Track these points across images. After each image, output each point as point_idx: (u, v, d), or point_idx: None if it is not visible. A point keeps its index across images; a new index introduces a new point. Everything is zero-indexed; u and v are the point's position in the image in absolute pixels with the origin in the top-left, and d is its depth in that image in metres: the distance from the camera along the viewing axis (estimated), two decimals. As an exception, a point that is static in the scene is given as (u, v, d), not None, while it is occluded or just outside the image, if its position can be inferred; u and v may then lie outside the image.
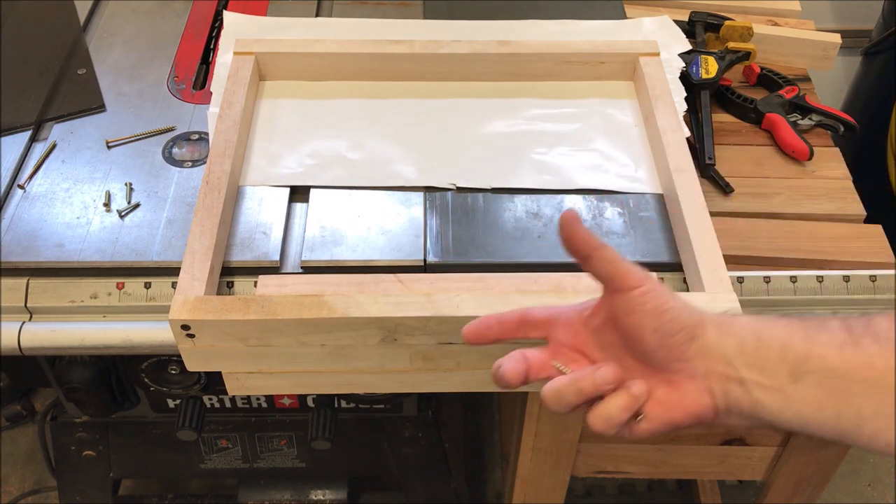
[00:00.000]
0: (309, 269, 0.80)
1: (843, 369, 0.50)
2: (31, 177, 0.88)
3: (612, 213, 0.85)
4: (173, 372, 0.92)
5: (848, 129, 0.98)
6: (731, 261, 0.82)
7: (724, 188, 0.91)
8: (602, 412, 0.55)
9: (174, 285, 0.78)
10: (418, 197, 0.87)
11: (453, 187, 0.87)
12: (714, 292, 0.73)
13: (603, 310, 0.57)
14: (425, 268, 0.81)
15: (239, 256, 0.80)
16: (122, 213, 0.85)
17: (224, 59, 0.98)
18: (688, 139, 0.89)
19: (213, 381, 0.95)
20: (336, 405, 1.06)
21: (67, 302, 0.79)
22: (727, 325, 0.54)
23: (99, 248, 0.81)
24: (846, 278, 0.82)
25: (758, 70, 1.06)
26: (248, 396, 1.05)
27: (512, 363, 0.57)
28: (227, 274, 0.79)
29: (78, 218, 0.84)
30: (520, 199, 0.87)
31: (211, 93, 0.95)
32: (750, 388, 0.52)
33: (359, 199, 0.86)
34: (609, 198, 0.87)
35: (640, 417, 0.55)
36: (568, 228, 0.56)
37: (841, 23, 1.82)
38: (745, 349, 0.53)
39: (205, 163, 0.87)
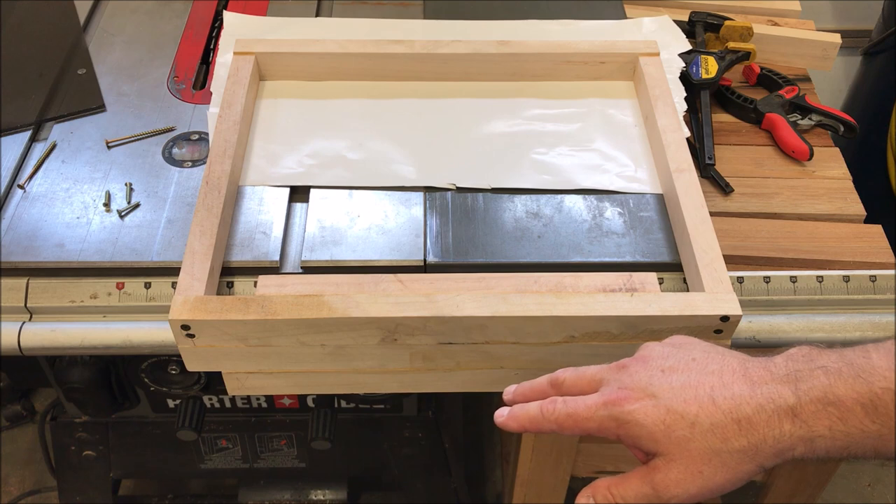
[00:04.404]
0: (309, 269, 0.80)
1: None
2: (31, 177, 0.88)
3: (612, 213, 0.85)
4: (173, 372, 0.92)
5: (848, 129, 0.98)
6: (731, 261, 0.82)
7: (724, 188, 0.91)
8: None
9: (174, 285, 0.78)
10: (418, 197, 0.87)
11: (453, 187, 0.87)
12: (714, 292, 0.73)
13: None
14: (425, 268, 0.81)
15: (239, 256, 0.80)
16: (122, 213, 0.85)
17: (224, 59, 0.98)
18: (688, 139, 0.89)
19: (213, 381, 0.95)
20: (336, 405, 1.06)
21: (67, 302, 0.79)
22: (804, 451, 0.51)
23: (99, 248, 0.81)
24: (846, 278, 0.82)
25: (758, 70, 1.06)
26: (248, 396, 1.05)
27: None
28: (227, 274, 0.79)
29: (78, 218, 0.84)
30: (520, 199, 0.87)
31: (211, 93, 0.95)
32: None
33: (359, 199, 0.86)
34: (609, 198, 0.87)
35: None
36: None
37: (841, 23, 1.82)
38: None
39: (205, 163, 0.87)
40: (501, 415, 0.59)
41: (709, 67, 1.00)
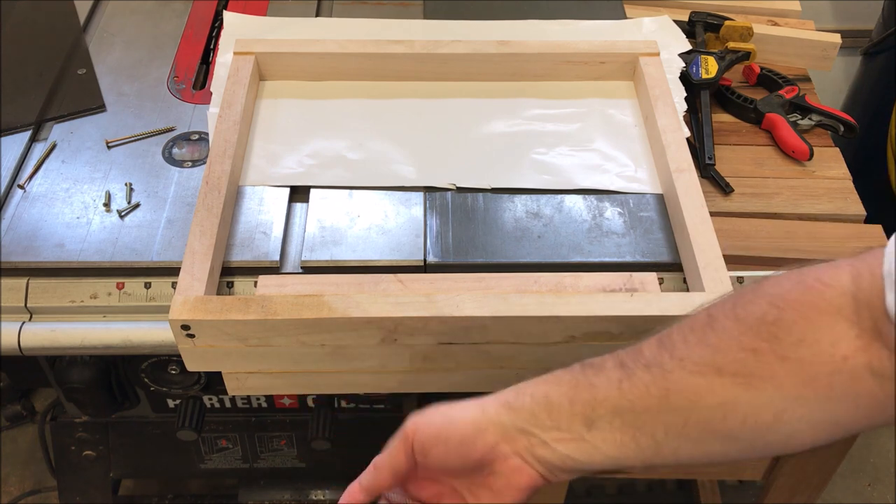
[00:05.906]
0: (309, 269, 0.80)
1: (626, 405, 0.54)
2: (31, 177, 0.89)
3: (612, 213, 0.85)
4: (173, 372, 0.92)
5: (848, 129, 0.98)
6: (731, 261, 0.82)
7: (724, 188, 0.91)
8: None
9: (174, 285, 0.78)
10: (418, 197, 0.87)
11: (453, 187, 0.87)
12: (714, 292, 0.73)
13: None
14: (425, 268, 0.81)
15: (239, 256, 0.80)
16: (122, 213, 0.85)
17: (224, 59, 0.98)
18: (688, 139, 0.89)
19: (213, 381, 0.95)
20: (336, 405, 1.06)
21: (67, 302, 0.79)
22: (516, 401, 0.58)
23: (99, 248, 0.81)
24: (846, 278, 0.82)
25: (758, 70, 1.06)
26: (248, 396, 1.05)
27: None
28: (227, 274, 0.79)
29: (78, 218, 0.84)
30: (520, 199, 0.87)
31: (211, 93, 0.95)
32: (554, 447, 0.56)
33: (359, 199, 0.86)
34: (609, 198, 0.87)
35: None
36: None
37: (841, 23, 1.81)
38: (538, 416, 0.57)
39: (205, 163, 0.87)
40: None
41: (709, 67, 1.00)
